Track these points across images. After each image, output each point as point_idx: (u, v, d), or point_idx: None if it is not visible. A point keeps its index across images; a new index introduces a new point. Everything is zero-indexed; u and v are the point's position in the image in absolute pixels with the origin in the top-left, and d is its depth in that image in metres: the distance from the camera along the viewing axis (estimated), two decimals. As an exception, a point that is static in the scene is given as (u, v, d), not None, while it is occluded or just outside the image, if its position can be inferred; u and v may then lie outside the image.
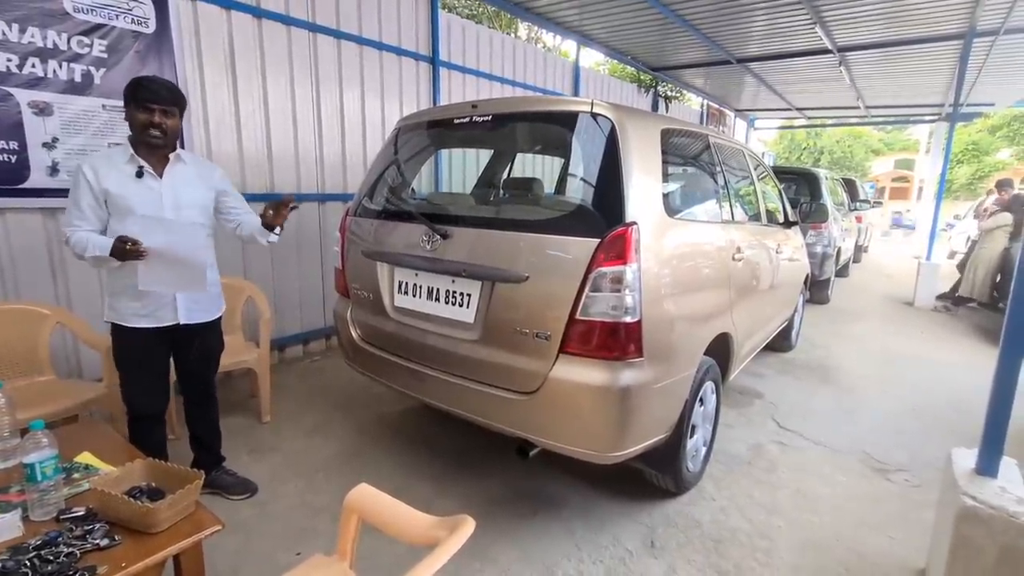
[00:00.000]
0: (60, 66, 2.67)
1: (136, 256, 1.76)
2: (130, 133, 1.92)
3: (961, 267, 6.59)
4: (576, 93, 7.01)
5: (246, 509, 2.22)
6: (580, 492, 2.40)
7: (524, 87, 6.10)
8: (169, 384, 2.13)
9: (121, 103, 1.90)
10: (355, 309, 2.55)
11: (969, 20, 5.56)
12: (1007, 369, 1.60)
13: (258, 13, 3.51)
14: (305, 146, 3.93)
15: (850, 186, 9.14)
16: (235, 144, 3.51)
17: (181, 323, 2.03)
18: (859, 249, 10.17)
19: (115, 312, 1.97)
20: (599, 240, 1.76)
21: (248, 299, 3.10)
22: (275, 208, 2.09)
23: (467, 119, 2.22)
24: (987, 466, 1.66)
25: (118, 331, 1.99)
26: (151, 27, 2.97)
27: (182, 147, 3.08)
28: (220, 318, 2.22)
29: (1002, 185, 6.30)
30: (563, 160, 2.85)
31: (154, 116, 1.86)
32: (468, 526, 1.09)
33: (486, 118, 2.19)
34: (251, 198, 3.59)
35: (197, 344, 2.14)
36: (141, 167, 1.90)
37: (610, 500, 2.34)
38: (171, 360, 2.15)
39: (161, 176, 1.95)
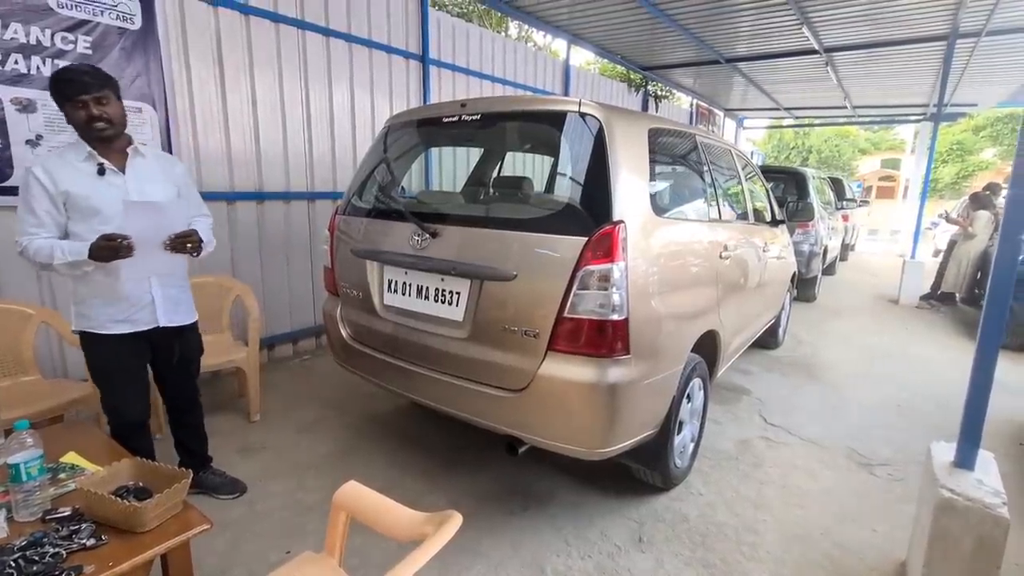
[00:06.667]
0: (44, 62, 2.64)
1: (127, 254, 1.66)
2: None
3: (942, 264, 6.70)
4: (566, 92, 7.02)
5: (235, 508, 2.21)
6: (569, 488, 2.42)
7: (514, 86, 6.10)
8: (149, 391, 2.05)
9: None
10: (344, 308, 2.54)
11: (952, 22, 5.65)
12: (983, 365, 1.64)
13: (245, 10, 3.48)
14: (294, 144, 3.91)
15: (837, 185, 9.23)
16: (223, 142, 3.48)
17: (160, 325, 1.94)
18: (846, 247, 10.29)
19: (87, 319, 1.85)
20: (587, 238, 1.78)
21: (236, 297, 3.08)
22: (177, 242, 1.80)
23: (456, 118, 2.23)
24: (965, 460, 1.71)
25: (91, 340, 1.87)
26: (137, 23, 2.94)
27: (169, 148, 3.10)
28: (196, 322, 2.14)
29: (988, 189, 6.56)
30: (552, 159, 2.86)
31: (90, 108, 1.71)
32: (455, 521, 1.10)
33: (475, 117, 2.19)
34: (239, 196, 3.61)
35: (177, 347, 2.04)
36: (102, 164, 1.79)
37: (598, 496, 2.37)
38: (149, 367, 2.05)
39: (123, 171, 1.84)
